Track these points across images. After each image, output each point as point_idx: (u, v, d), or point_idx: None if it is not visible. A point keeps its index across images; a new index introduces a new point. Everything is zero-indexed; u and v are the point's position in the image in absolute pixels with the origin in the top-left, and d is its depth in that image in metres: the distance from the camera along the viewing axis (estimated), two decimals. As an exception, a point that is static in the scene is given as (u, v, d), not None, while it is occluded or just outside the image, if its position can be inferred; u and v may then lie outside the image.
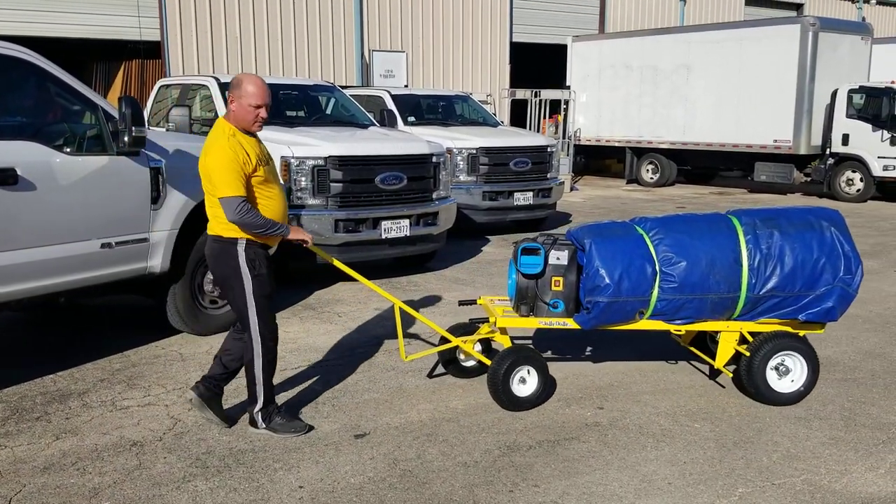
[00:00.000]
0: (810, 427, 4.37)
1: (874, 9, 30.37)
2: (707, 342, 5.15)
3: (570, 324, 4.65)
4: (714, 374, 5.12)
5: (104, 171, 5.03)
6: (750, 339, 4.69)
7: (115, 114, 5.03)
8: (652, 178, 18.84)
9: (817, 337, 4.90)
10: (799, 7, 28.50)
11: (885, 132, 15.20)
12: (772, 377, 4.63)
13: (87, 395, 4.76)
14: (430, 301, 7.18)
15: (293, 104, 9.52)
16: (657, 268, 4.49)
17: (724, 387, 4.98)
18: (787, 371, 4.66)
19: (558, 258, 4.60)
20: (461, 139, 10.65)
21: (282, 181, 6.20)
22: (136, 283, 5.47)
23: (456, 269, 8.71)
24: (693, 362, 5.43)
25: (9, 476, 3.71)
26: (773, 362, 4.62)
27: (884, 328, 6.45)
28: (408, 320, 5.94)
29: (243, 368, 4.19)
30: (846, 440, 4.21)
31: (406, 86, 17.80)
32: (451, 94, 13.47)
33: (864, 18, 28.59)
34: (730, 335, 4.73)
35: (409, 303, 6.87)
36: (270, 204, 4.03)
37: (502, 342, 4.88)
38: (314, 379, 5.07)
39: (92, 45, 16.23)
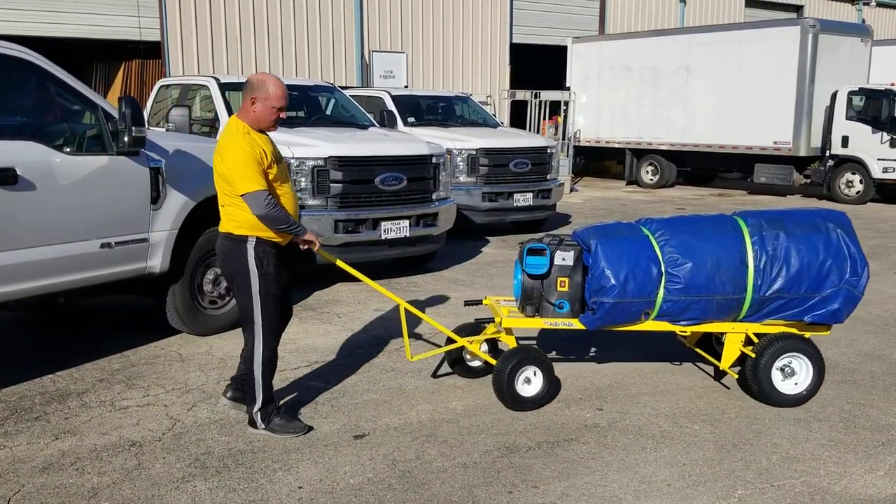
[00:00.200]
0: (810, 429, 4.37)
1: (874, 11, 30.39)
2: (713, 343, 5.15)
3: (576, 324, 4.65)
4: (719, 375, 5.12)
5: (104, 171, 5.03)
6: (755, 340, 4.69)
7: (115, 114, 5.03)
8: (652, 179, 18.85)
9: (816, 339, 4.90)
10: (799, 9, 28.51)
11: (885, 134, 15.20)
12: (777, 379, 4.63)
13: (86, 395, 4.76)
14: (430, 302, 7.18)
15: (293, 104, 9.49)
16: (663, 269, 4.49)
17: (728, 388, 4.98)
18: (793, 373, 4.66)
19: (564, 259, 4.61)
20: (461, 140, 10.65)
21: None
22: (135, 283, 5.47)
23: (455, 270, 8.70)
24: (693, 363, 5.43)
25: (8, 476, 3.70)
26: (779, 363, 4.62)
27: (883, 330, 6.45)
28: (410, 321, 5.94)
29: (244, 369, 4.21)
30: (846, 442, 4.21)
31: (406, 86, 17.81)
32: (451, 94, 13.49)
33: (864, 20, 28.62)
34: (735, 336, 4.73)
35: (410, 304, 6.85)
36: (285, 202, 4.06)
37: (508, 342, 4.88)
38: (313, 379, 5.07)
39: (92, 45, 16.23)
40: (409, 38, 19.73)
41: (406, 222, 7.85)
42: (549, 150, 11.42)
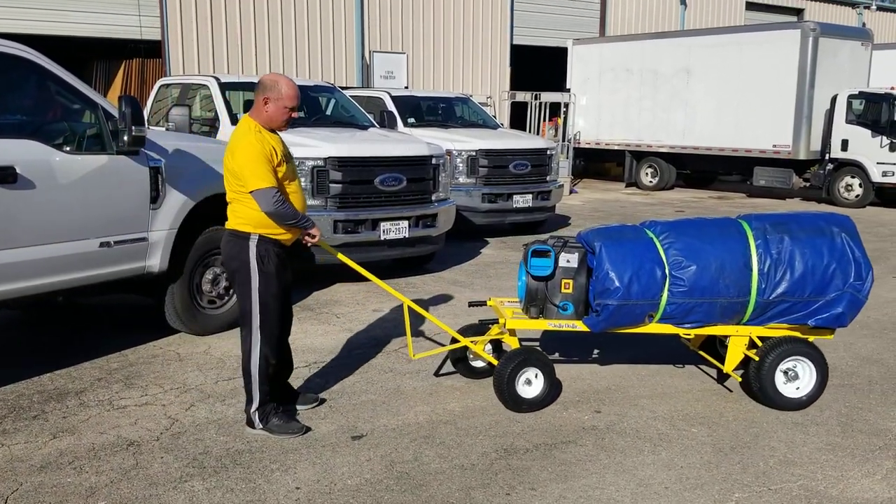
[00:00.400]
0: (807, 432, 4.38)
1: (875, 14, 30.43)
2: (716, 346, 5.16)
3: (580, 326, 4.66)
4: (722, 378, 5.13)
5: (103, 171, 5.03)
6: (759, 343, 4.70)
7: (115, 113, 5.03)
8: (651, 181, 18.86)
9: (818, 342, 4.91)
10: (799, 12, 28.54)
11: (885, 138, 15.21)
12: (780, 382, 4.64)
13: (84, 394, 4.76)
14: (429, 303, 7.18)
15: (293, 105, 9.50)
16: (667, 271, 4.50)
17: (730, 391, 4.98)
18: (797, 377, 4.66)
19: (568, 261, 4.61)
20: (461, 141, 10.66)
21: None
22: (134, 282, 5.47)
23: (454, 271, 8.71)
24: (692, 366, 5.43)
25: (5, 474, 3.70)
26: (783, 366, 4.62)
27: (881, 334, 6.46)
28: (412, 320, 5.94)
29: (241, 369, 4.21)
30: (843, 446, 4.22)
31: (406, 87, 17.81)
32: (452, 95, 13.49)
33: (864, 24, 28.64)
34: (739, 340, 4.74)
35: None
36: (293, 199, 4.13)
37: (511, 343, 4.89)
38: (311, 380, 5.07)
39: (92, 44, 16.24)
40: (410, 38, 19.75)
41: (405, 223, 7.85)
42: (548, 152, 11.43)
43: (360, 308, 6.93)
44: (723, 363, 4.87)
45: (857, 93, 15.66)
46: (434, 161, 8.24)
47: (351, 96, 10.58)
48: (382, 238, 7.70)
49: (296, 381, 5.03)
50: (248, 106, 8.96)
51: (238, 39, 16.93)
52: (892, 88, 15.35)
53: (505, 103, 21.08)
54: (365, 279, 4.79)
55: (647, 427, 4.41)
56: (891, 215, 14.68)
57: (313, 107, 9.55)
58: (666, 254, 4.54)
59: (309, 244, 4.31)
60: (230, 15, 16.83)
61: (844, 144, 15.72)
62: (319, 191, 7.39)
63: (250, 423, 4.18)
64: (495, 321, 5.08)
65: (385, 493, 3.60)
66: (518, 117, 21.21)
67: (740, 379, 4.85)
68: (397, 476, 3.76)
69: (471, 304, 5.35)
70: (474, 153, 10.60)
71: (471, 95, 14.74)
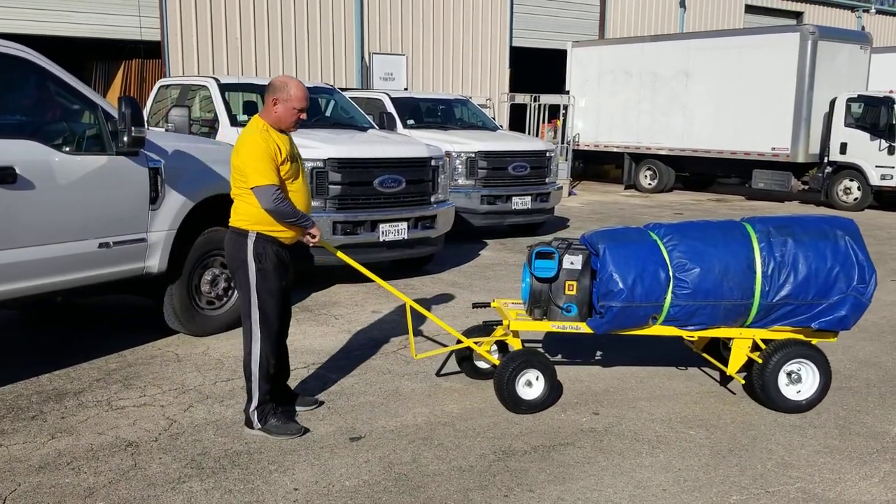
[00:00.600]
0: (805, 435, 4.38)
1: (874, 18, 30.46)
2: (720, 349, 5.17)
3: (583, 328, 4.67)
4: (725, 380, 5.13)
5: (103, 171, 5.03)
6: (762, 346, 4.70)
7: (115, 113, 5.04)
8: (650, 183, 18.87)
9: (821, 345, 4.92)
10: (798, 15, 28.59)
11: (883, 141, 15.23)
12: (783, 384, 4.65)
13: (82, 394, 4.76)
14: (428, 304, 7.17)
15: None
16: (671, 273, 4.50)
17: (729, 393, 4.99)
18: (800, 379, 4.67)
19: (572, 262, 4.62)
20: (460, 143, 10.66)
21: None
22: (133, 283, 5.47)
23: (453, 273, 8.71)
24: (692, 368, 5.44)
25: (4, 475, 3.70)
26: (786, 369, 4.63)
27: (879, 337, 6.46)
28: (413, 320, 5.95)
29: (243, 367, 4.23)
30: (841, 449, 4.22)
31: (406, 89, 17.82)
32: (451, 97, 13.50)
33: (863, 27, 28.69)
34: (742, 342, 4.74)
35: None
36: (295, 198, 4.15)
37: (513, 345, 4.90)
38: (310, 381, 5.07)
39: (92, 45, 16.24)
40: (410, 40, 19.76)
41: (404, 224, 7.86)
42: (547, 154, 11.44)
43: (358, 309, 6.93)
44: (726, 366, 4.87)
45: (855, 96, 15.68)
46: (433, 163, 8.24)
47: (350, 98, 10.58)
48: (381, 239, 7.71)
49: (294, 382, 5.03)
50: (247, 107, 8.98)
51: (238, 40, 16.94)
52: (891, 92, 15.36)
53: (504, 105, 21.11)
54: (364, 280, 4.80)
55: (645, 429, 4.42)
56: (889, 218, 14.69)
57: (313, 108, 9.47)
58: (670, 256, 4.55)
59: (310, 244, 4.32)
60: (230, 16, 16.84)
61: (843, 148, 15.75)
62: (318, 192, 7.38)
63: (249, 423, 4.19)
64: (500, 323, 5.09)
65: (383, 494, 3.60)
66: (517, 119, 21.23)
67: (743, 381, 4.85)
68: (395, 477, 3.77)
69: (475, 306, 5.36)
70: (473, 155, 10.60)
71: (470, 97, 14.75)
